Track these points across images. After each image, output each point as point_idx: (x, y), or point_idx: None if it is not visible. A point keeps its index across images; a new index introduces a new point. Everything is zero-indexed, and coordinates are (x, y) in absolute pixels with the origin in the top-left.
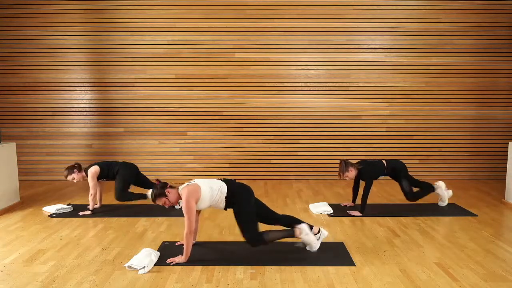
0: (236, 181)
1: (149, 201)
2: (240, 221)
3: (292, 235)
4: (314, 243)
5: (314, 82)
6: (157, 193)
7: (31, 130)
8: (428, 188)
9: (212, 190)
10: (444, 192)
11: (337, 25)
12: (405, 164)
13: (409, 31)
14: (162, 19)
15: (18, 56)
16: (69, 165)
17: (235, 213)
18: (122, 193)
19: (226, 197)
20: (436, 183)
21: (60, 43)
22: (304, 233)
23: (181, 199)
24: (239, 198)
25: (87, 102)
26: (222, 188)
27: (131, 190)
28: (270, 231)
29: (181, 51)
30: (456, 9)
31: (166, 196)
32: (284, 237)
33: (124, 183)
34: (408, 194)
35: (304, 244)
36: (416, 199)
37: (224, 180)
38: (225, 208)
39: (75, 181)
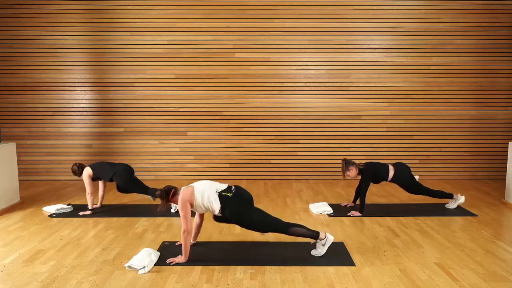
0: (234, 189)
1: (149, 201)
2: (250, 228)
3: (317, 237)
4: (323, 252)
5: (314, 82)
6: (169, 186)
7: (31, 130)
8: (446, 194)
9: (203, 198)
10: (456, 203)
11: (337, 25)
12: (409, 166)
13: (409, 31)
14: (162, 19)
15: (18, 56)
16: (70, 169)
17: (240, 225)
18: (148, 191)
19: (220, 210)
20: (459, 195)
21: (60, 43)
22: (327, 243)
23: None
24: (235, 211)
25: (87, 102)
26: (215, 202)
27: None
28: (298, 225)
29: (181, 51)
30: (456, 9)
31: (176, 191)
32: (308, 236)
33: (137, 188)
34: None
35: (313, 247)
36: (423, 191)
37: (220, 195)
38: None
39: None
